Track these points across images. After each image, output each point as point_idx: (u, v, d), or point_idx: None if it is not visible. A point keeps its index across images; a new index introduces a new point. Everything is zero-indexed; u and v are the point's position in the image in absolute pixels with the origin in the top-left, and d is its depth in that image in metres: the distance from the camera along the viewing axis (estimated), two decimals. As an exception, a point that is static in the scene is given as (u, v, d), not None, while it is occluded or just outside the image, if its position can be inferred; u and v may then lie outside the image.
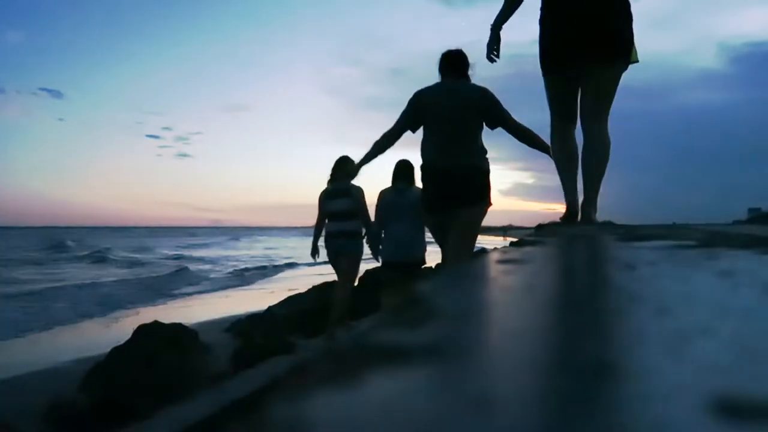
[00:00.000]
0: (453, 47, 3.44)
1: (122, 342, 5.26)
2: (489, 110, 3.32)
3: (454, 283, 0.89)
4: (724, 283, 0.78)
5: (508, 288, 0.88)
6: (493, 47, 3.01)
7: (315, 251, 5.14)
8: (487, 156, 3.40)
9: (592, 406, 0.31)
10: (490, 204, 3.40)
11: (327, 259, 5.24)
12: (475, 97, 3.30)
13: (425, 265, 4.64)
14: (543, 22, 2.71)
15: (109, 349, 5.12)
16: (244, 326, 6.90)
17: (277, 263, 23.57)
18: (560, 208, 2.98)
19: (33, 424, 3.92)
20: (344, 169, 4.78)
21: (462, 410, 0.30)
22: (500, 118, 3.35)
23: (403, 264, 4.21)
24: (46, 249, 36.76)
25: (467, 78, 3.38)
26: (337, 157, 5.12)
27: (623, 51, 2.52)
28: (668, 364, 0.39)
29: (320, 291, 7.76)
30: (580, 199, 2.74)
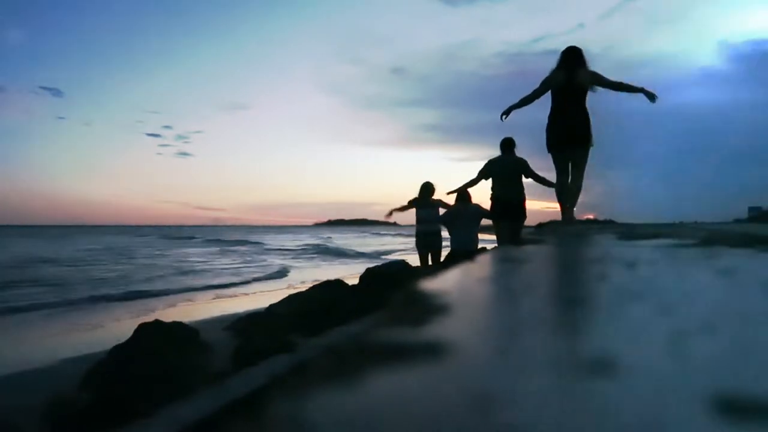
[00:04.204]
0: (507, 135, 6.33)
1: (123, 340, 5.27)
2: (524, 170, 6.26)
3: (458, 281, 0.89)
4: (724, 282, 0.78)
5: (509, 286, 0.88)
6: (504, 115, 5.47)
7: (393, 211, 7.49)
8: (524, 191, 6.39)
9: (592, 404, 0.31)
10: (526, 217, 6.40)
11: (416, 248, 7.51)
12: (517, 164, 6.27)
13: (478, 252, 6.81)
14: (549, 129, 5.16)
15: (110, 348, 5.14)
16: (244, 325, 6.90)
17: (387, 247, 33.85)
18: (557, 206, 5.43)
19: (33, 422, 3.92)
20: (427, 189, 7.22)
21: (461, 408, 0.30)
22: (529, 173, 6.26)
23: (465, 252, 6.38)
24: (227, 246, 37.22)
25: (514, 152, 6.33)
26: (423, 182, 7.33)
27: (589, 143, 5.07)
28: (668, 362, 0.39)
29: (320, 290, 7.77)
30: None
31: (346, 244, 41.83)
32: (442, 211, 7.27)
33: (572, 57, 5.14)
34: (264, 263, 22.12)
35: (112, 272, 16.90)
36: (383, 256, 24.60)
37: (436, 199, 7.24)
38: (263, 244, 39.50)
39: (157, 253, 28.98)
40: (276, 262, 22.87)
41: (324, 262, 23.63)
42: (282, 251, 31.97)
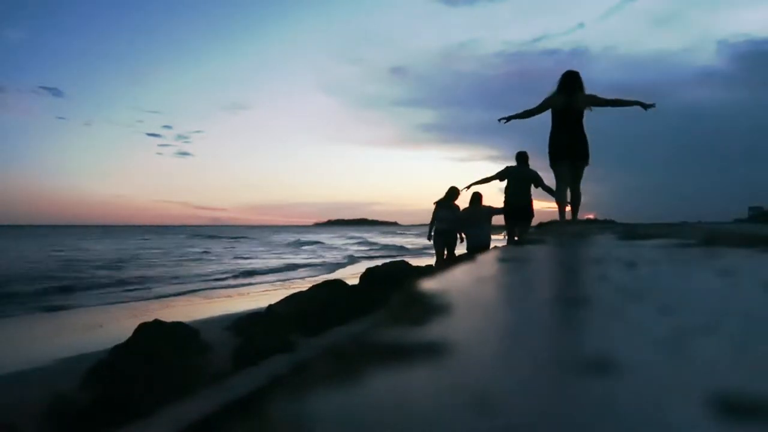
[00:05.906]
0: (520, 149, 7.60)
1: (123, 340, 5.28)
2: (535, 180, 7.39)
3: (458, 281, 0.89)
4: (725, 282, 0.78)
5: (509, 286, 0.88)
6: (504, 120, 6.23)
7: (429, 236, 8.54)
8: (532, 195, 7.58)
9: (592, 403, 0.31)
10: (533, 217, 7.56)
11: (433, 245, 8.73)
12: (530, 174, 7.41)
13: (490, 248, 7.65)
14: (551, 146, 5.77)
15: (110, 347, 5.14)
16: (244, 324, 6.91)
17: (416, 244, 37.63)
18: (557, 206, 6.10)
19: (34, 421, 3.92)
20: (452, 193, 8.28)
21: (461, 408, 0.30)
22: (538, 182, 7.38)
23: (478, 248, 7.36)
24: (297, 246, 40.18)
25: (527, 163, 7.47)
26: (450, 186, 8.48)
27: (586, 158, 5.73)
28: (668, 362, 0.39)
29: (320, 290, 7.77)
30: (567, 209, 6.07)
31: (389, 241, 47.44)
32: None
33: (570, 82, 5.72)
34: (344, 255, 27.01)
35: (228, 267, 20.07)
36: (428, 251, 27.12)
37: (456, 204, 8.46)
38: (323, 243, 43.46)
39: (238, 250, 32.19)
40: (350, 253, 28.78)
41: (391, 255, 26.49)
42: (345, 248, 36.53)
